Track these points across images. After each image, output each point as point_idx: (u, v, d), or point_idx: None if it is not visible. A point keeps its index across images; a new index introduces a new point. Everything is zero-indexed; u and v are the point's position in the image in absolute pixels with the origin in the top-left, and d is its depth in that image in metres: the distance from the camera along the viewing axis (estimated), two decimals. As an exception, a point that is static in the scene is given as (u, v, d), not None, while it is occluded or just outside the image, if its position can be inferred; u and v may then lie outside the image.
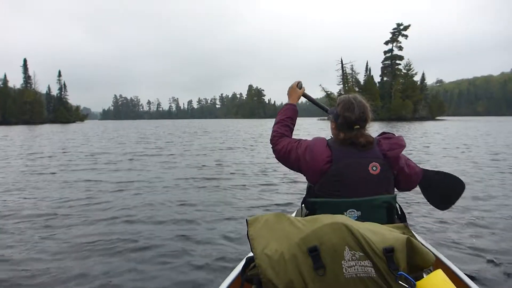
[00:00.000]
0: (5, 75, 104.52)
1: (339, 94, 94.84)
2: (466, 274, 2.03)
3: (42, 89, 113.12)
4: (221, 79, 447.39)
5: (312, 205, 1.96)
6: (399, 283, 1.35)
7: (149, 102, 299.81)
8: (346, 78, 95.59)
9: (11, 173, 10.06)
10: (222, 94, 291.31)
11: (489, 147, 16.49)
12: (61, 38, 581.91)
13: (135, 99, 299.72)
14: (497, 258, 3.79)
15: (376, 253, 1.37)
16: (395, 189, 2.12)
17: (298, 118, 2.44)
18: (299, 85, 2.53)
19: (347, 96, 2.13)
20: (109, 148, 18.11)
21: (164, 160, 12.88)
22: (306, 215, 1.89)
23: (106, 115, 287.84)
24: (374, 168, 1.92)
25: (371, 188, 1.91)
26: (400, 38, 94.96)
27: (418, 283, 1.36)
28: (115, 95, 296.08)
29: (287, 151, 2.15)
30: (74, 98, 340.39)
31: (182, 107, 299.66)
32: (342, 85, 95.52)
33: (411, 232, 1.61)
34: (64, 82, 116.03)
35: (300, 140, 2.18)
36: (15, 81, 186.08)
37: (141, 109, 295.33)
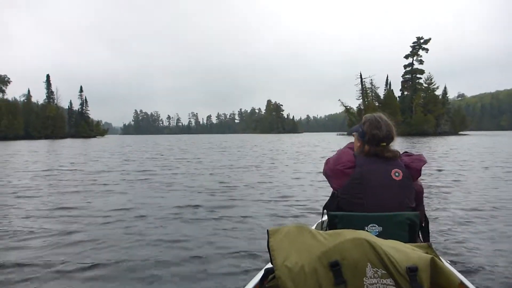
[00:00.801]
0: (28, 91, 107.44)
1: (359, 108, 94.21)
2: None
3: (64, 105, 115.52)
4: (240, 94, 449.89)
5: (332, 218, 1.96)
6: None
7: (169, 117, 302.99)
8: (366, 92, 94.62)
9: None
10: (241, 109, 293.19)
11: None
12: (84, 54, 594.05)
13: (155, 114, 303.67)
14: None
15: (399, 271, 1.35)
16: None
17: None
18: None
19: (373, 115, 2.20)
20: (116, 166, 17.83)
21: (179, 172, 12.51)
22: (326, 228, 1.97)
23: (126, 130, 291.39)
24: (397, 174, 1.97)
25: (393, 193, 1.95)
26: (421, 52, 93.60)
27: None
28: (136, 110, 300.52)
29: (324, 168, 2.24)
30: (95, 113, 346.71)
31: (201, 122, 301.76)
32: (361, 100, 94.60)
33: (435, 252, 1.57)
34: (85, 98, 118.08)
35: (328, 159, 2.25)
36: (38, 96, 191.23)
37: (161, 124, 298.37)
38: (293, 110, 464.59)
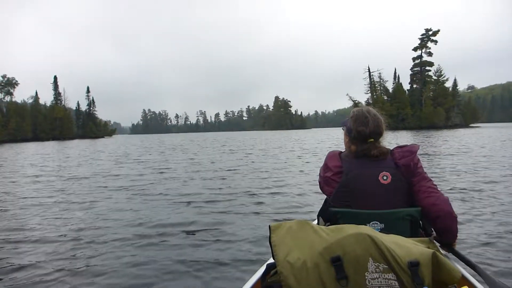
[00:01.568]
0: (36, 93, 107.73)
1: (367, 103, 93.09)
2: None
3: (72, 105, 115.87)
4: (248, 91, 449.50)
5: (334, 215, 1.92)
6: None
7: (177, 116, 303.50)
8: (374, 86, 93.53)
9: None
10: (248, 106, 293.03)
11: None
12: (91, 54, 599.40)
13: (163, 113, 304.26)
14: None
15: (401, 266, 1.36)
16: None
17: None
18: None
19: (361, 109, 2.10)
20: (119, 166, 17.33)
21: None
22: (328, 224, 1.92)
23: (135, 129, 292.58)
24: (385, 178, 1.89)
25: (382, 199, 1.88)
26: (429, 44, 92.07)
27: None
28: (144, 110, 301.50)
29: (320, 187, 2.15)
30: (104, 113, 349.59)
31: (209, 120, 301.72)
32: (370, 94, 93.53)
33: (437, 247, 1.59)
34: (92, 98, 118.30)
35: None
36: (46, 98, 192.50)
37: (169, 123, 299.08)
38: (301, 106, 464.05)
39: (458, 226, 1.94)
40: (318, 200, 7.25)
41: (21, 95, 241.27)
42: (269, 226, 1.64)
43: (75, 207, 7.50)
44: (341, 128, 2.20)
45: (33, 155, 27.57)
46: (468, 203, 6.74)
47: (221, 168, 14.44)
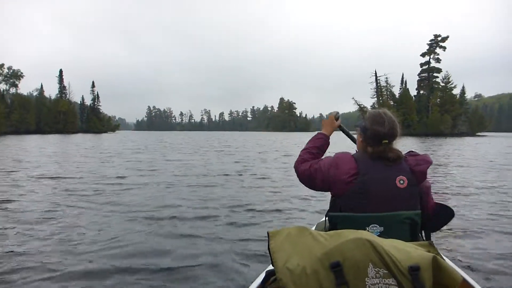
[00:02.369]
0: (41, 85, 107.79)
1: (373, 107, 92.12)
2: None
3: (77, 100, 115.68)
4: (253, 91, 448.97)
5: (333, 219, 1.94)
6: None
7: (181, 114, 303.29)
8: (381, 91, 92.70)
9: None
10: (253, 107, 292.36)
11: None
12: (97, 50, 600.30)
13: (168, 111, 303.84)
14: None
15: (401, 271, 1.35)
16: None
17: (309, 133, 2.05)
18: (336, 116, 2.53)
19: (377, 110, 2.11)
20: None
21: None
22: (327, 229, 1.93)
23: (139, 126, 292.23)
24: (401, 182, 1.89)
25: (398, 203, 1.89)
26: (438, 50, 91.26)
27: None
28: (149, 106, 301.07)
29: (311, 173, 2.11)
30: (109, 109, 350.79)
31: (213, 119, 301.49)
32: (376, 99, 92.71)
33: (437, 251, 1.57)
34: (97, 93, 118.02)
35: (320, 159, 2.17)
36: (51, 91, 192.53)
37: (174, 121, 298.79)
38: (306, 108, 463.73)
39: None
40: (317, 204, 7.21)
41: (26, 87, 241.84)
42: (268, 232, 1.63)
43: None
44: (355, 128, 2.17)
45: (17, 149, 26.75)
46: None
47: (211, 172, 12.98)
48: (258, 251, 4.55)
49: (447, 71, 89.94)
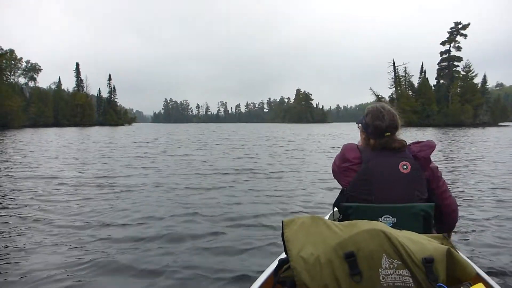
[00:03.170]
0: (59, 79, 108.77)
1: (391, 98, 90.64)
2: None
3: (94, 92, 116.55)
4: (269, 83, 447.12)
5: (345, 209, 1.94)
6: None
7: (198, 106, 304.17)
8: (399, 81, 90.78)
9: None
10: (270, 99, 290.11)
11: None
12: (115, 43, 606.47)
13: (185, 103, 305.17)
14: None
15: (415, 262, 1.36)
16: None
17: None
18: None
19: (375, 105, 2.16)
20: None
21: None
22: (339, 219, 1.95)
23: (157, 118, 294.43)
24: (405, 167, 1.92)
25: (402, 187, 1.90)
26: (458, 38, 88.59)
27: None
28: (166, 99, 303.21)
29: (332, 168, 2.19)
30: (127, 102, 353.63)
31: (230, 111, 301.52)
32: (394, 89, 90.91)
33: (451, 243, 1.57)
34: (113, 86, 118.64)
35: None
36: (69, 84, 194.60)
37: (190, 113, 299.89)
38: (323, 99, 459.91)
39: None
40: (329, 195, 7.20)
41: (44, 80, 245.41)
42: (282, 221, 1.63)
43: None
44: (356, 126, 2.23)
45: (25, 142, 26.63)
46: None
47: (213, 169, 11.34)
48: (271, 239, 4.58)
49: (468, 60, 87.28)
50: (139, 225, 5.19)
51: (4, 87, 72.00)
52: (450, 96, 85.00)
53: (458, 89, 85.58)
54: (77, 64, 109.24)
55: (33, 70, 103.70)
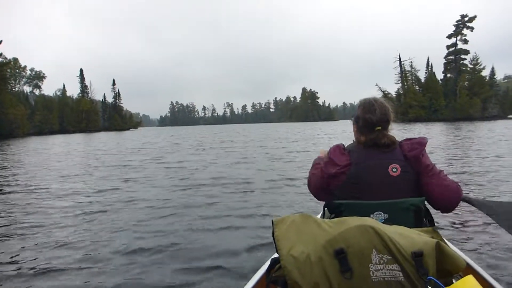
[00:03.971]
0: (63, 85, 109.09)
1: (397, 93, 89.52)
2: (497, 281, 2.01)
3: (99, 98, 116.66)
4: (275, 82, 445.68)
5: (337, 207, 1.94)
6: None
7: (204, 108, 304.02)
8: (405, 76, 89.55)
9: None
10: (276, 98, 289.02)
11: None
12: (119, 46, 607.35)
13: (191, 105, 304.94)
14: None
15: (405, 257, 1.37)
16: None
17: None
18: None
19: (368, 98, 2.15)
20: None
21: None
22: (331, 218, 1.93)
23: (163, 121, 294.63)
24: (394, 170, 1.93)
25: (392, 191, 1.92)
26: (465, 31, 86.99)
27: None
28: (172, 102, 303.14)
29: (317, 186, 2.16)
30: (133, 106, 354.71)
31: (236, 112, 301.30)
32: (400, 84, 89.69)
33: (441, 237, 1.59)
34: (118, 90, 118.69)
35: (317, 164, 2.20)
36: (73, 90, 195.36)
37: (197, 115, 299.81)
38: (329, 97, 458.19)
39: None
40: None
41: (49, 88, 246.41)
42: (272, 220, 1.63)
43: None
44: (350, 120, 2.24)
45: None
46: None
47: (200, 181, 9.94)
48: (264, 238, 4.66)
49: (475, 52, 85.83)
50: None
51: (8, 96, 71.91)
52: (458, 89, 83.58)
53: (466, 82, 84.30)
54: (81, 70, 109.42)
55: (37, 78, 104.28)
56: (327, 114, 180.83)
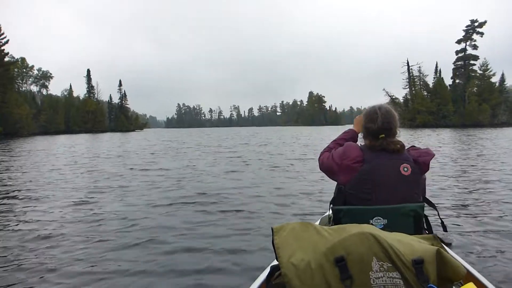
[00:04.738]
0: (70, 86, 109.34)
1: (405, 98, 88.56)
2: None
3: (106, 99, 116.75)
4: (282, 86, 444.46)
5: (337, 212, 1.98)
6: None
7: (210, 110, 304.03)
8: (413, 81, 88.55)
9: None
10: (282, 102, 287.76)
11: None
12: (127, 48, 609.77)
13: (198, 107, 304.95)
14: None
15: (405, 264, 1.36)
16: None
17: (339, 126, 2.60)
18: None
19: (373, 106, 2.19)
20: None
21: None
22: (331, 222, 2.01)
23: (170, 123, 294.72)
24: (405, 169, 1.97)
25: (402, 190, 1.96)
26: (475, 36, 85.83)
27: None
28: (178, 104, 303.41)
29: (324, 162, 2.24)
30: (140, 107, 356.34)
31: (243, 115, 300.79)
32: (408, 89, 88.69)
33: (441, 244, 1.58)
34: (124, 91, 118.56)
35: (332, 148, 2.33)
36: (80, 91, 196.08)
37: (203, 117, 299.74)
38: (336, 101, 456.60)
39: None
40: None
41: (56, 88, 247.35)
42: (272, 228, 1.63)
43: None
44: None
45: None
46: None
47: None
48: (263, 246, 4.51)
49: (485, 58, 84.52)
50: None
51: (14, 95, 71.93)
52: (467, 95, 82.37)
53: (475, 88, 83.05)
54: (88, 71, 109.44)
55: (44, 77, 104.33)
56: (334, 118, 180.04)
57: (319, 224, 2.12)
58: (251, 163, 14.70)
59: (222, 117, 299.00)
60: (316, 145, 24.77)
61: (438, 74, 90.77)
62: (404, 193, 1.93)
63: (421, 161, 2.00)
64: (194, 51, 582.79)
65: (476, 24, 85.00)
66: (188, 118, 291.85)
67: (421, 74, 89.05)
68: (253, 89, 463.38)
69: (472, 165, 12.40)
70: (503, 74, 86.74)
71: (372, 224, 1.79)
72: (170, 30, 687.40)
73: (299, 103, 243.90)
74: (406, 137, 33.16)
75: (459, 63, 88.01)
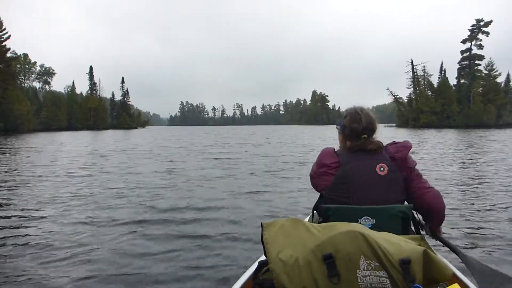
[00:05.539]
0: (73, 82, 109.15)
1: (409, 98, 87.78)
2: None
3: (108, 96, 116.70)
4: (285, 85, 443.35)
5: (325, 211, 1.96)
6: None
7: (214, 109, 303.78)
8: (418, 81, 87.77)
9: None
10: (286, 100, 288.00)
11: None
12: (130, 45, 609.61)
13: (201, 106, 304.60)
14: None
15: (392, 263, 1.37)
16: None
17: None
18: None
19: (354, 108, 2.22)
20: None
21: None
22: (319, 222, 1.96)
23: (173, 121, 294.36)
24: (382, 169, 1.97)
25: (380, 190, 1.96)
26: (480, 36, 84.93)
27: None
28: (182, 102, 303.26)
29: (310, 176, 2.22)
30: (144, 105, 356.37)
31: (246, 113, 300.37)
32: (412, 89, 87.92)
33: (428, 245, 1.59)
34: (127, 89, 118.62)
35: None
36: (83, 87, 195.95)
37: (206, 115, 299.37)
38: (339, 100, 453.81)
39: None
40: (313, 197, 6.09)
41: (58, 84, 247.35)
42: (261, 224, 1.64)
43: None
44: (335, 127, 2.32)
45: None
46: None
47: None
48: (251, 241, 4.61)
49: (490, 58, 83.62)
50: None
51: (15, 91, 71.53)
52: (472, 96, 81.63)
53: (480, 88, 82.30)
54: (91, 68, 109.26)
55: (47, 74, 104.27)
56: (337, 117, 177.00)
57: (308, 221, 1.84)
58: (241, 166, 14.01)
59: (225, 115, 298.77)
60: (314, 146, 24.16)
61: (442, 74, 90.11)
62: (381, 194, 1.92)
63: (398, 157, 1.99)
64: (198, 49, 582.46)
65: (481, 23, 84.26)
66: (191, 116, 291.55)
67: (425, 74, 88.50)
68: (257, 87, 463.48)
69: (477, 170, 11.82)
70: (508, 75, 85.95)
71: (360, 223, 1.77)
72: (175, 28, 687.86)
73: (302, 101, 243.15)
74: (411, 137, 32.47)
75: (464, 62, 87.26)
